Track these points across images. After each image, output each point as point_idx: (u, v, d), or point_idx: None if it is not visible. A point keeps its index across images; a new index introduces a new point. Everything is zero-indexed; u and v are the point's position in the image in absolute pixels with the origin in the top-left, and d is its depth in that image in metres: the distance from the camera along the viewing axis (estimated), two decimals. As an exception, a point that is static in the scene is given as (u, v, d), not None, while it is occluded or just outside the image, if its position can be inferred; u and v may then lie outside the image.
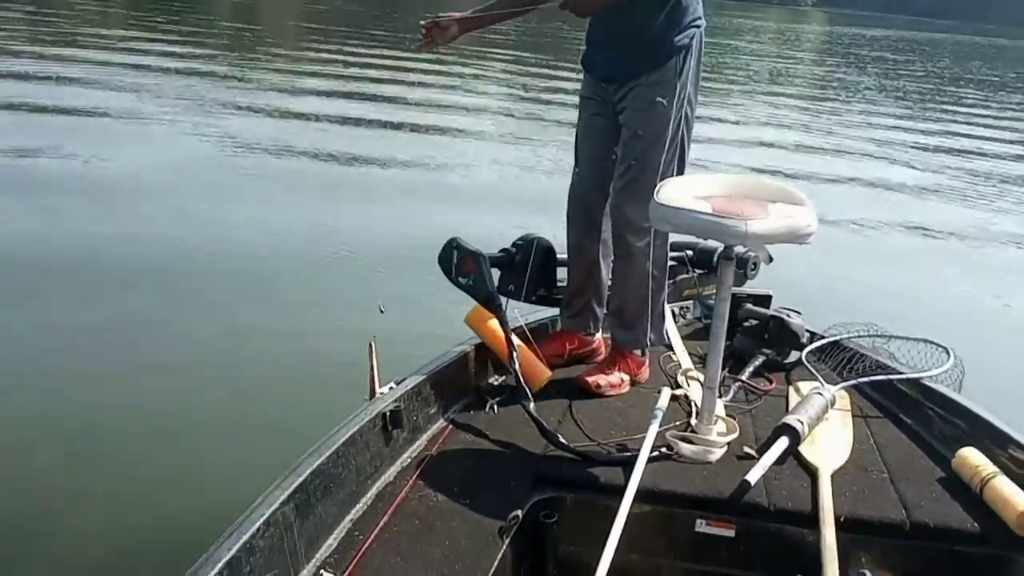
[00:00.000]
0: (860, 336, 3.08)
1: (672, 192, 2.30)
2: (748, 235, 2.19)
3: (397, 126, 10.22)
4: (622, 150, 2.63)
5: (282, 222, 6.17)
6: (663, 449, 2.30)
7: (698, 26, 2.63)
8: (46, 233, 5.48)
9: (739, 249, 2.85)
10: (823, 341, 3.04)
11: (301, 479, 1.81)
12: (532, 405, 2.37)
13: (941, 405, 2.59)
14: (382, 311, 3.16)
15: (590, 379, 2.70)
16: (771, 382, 2.84)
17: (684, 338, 3.06)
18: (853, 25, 70.70)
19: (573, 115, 2.89)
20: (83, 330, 4.18)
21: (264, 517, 1.67)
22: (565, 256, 2.88)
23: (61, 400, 3.54)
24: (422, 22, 2.69)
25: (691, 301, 3.37)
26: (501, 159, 9.13)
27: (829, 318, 3.23)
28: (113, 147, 7.75)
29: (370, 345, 2.45)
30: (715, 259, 3.14)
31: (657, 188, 2.32)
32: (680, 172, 2.66)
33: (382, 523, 1.95)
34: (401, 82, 13.55)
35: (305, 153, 8.36)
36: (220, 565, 1.52)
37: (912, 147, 12.60)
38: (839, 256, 6.43)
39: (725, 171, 8.44)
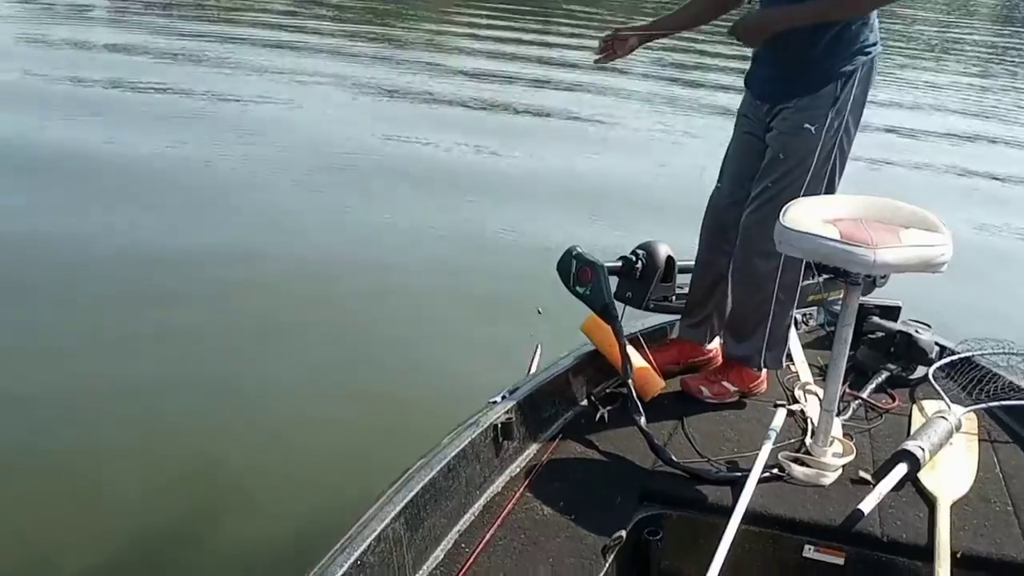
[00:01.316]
0: (995, 353, 2.94)
1: (798, 214, 2.21)
2: (876, 264, 2.10)
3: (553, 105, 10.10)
4: (762, 171, 2.56)
5: (443, 221, 6.02)
6: (774, 470, 2.28)
7: (868, 53, 2.46)
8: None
9: None
10: (952, 357, 2.92)
11: (412, 493, 1.85)
12: (643, 419, 2.38)
13: None
14: (540, 313, 3.21)
15: (692, 384, 2.71)
16: (894, 399, 2.76)
17: (806, 346, 3.00)
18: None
19: (719, 124, 2.82)
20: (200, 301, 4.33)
21: (375, 533, 1.72)
22: (686, 263, 2.84)
23: (175, 401, 3.57)
24: (602, 35, 2.74)
25: (815, 308, 3.29)
26: (642, 159, 8.69)
27: (964, 332, 3.08)
28: (269, 103, 8.19)
29: (536, 346, 2.49)
30: None
31: (784, 209, 2.24)
32: None
33: (488, 536, 1.99)
34: (554, 61, 13.45)
35: (454, 147, 8.20)
36: None
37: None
38: (985, 264, 5.91)
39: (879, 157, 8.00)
